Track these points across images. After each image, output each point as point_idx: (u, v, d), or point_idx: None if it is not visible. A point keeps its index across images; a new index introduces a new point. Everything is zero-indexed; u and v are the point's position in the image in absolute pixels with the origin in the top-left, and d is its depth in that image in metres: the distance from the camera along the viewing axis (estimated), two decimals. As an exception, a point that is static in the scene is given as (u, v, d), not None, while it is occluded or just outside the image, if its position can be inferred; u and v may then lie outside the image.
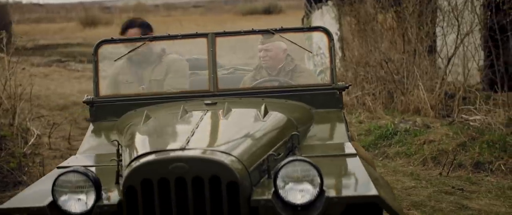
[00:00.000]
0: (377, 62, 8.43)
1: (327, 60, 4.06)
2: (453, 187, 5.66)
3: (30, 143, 7.29)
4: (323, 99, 3.86)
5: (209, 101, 3.64)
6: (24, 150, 6.89)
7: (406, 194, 5.45)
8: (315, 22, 12.00)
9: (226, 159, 2.62)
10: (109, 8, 77.96)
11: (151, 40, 4.16)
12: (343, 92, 8.02)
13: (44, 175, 6.01)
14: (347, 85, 4.03)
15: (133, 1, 77.36)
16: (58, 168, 3.27)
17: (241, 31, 4.12)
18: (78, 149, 7.44)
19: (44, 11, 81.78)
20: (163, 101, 3.97)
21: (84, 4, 77.29)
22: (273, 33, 4.06)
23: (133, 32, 4.39)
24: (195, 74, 4.84)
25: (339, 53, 10.95)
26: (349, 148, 3.29)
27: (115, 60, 4.24)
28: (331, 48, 3.95)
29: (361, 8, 8.96)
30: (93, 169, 3.20)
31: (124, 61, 4.32)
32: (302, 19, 12.79)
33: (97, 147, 3.71)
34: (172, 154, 2.65)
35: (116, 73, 4.35)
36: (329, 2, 11.42)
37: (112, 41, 4.18)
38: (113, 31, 34.53)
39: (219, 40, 4.03)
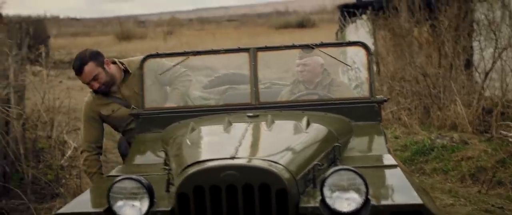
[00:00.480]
0: (413, 77, 8.34)
1: (362, 74, 4.09)
2: (492, 205, 5.53)
3: (67, 155, 7.38)
4: (362, 112, 3.90)
5: (251, 114, 3.71)
6: (61, 162, 6.98)
7: (444, 212, 5.35)
8: (349, 36, 11.94)
9: (275, 168, 2.71)
10: (144, 22, 79.08)
11: (195, 55, 4.22)
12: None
13: (81, 187, 6.10)
14: (385, 98, 4.04)
15: (167, 16, 78.29)
16: (108, 177, 3.41)
17: (281, 46, 4.21)
18: (113, 161, 7.57)
19: (80, 25, 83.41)
20: (206, 114, 4.06)
21: (119, 19, 78.51)
22: (313, 48, 4.13)
23: (89, 69, 4.24)
24: (232, 88, 4.89)
25: (374, 68, 10.88)
26: (390, 160, 3.33)
27: (160, 74, 4.36)
28: (370, 62, 3.98)
29: (395, 22, 8.88)
30: (146, 177, 3.36)
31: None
32: (336, 33, 12.74)
33: (144, 157, 3.84)
34: (223, 162, 2.73)
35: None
36: (364, 16, 11.36)
37: (157, 55, 4.37)
38: (147, 45, 35.06)
39: (259, 54, 4.12)
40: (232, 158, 2.76)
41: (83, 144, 4.18)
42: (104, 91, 4.18)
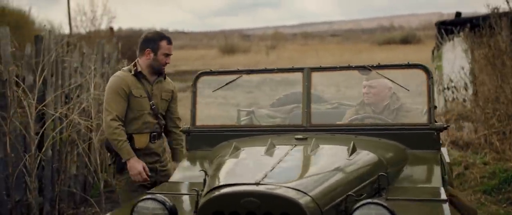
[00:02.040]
0: (509, 99, 7.78)
1: (424, 99, 3.74)
2: None
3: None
4: (419, 140, 3.59)
5: (300, 136, 3.54)
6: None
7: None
8: (446, 54, 11.43)
9: (298, 197, 2.57)
10: (249, 37, 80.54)
11: (248, 73, 4.18)
12: (468, 130, 7.48)
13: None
14: (445, 125, 3.68)
15: (272, 30, 79.26)
16: (148, 193, 3.34)
17: (337, 66, 4.02)
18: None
19: (188, 38, 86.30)
20: (256, 134, 3.94)
21: (225, 33, 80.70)
22: (369, 70, 3.87)
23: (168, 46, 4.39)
24: (299, 107, 4.75)
25: (470, 89, 10.33)
26: (441, 193, 3.04)
27: (214, 91, 4.36)
28: (430, 87, 3.67)
29: (491, 41, 8.36)
30: (180, 196, 3.31)
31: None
32: (433, 51, 12.24)
33: (190, 175, 3.75)
34: (245, 188, 2.64)
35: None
36: (461, 34, 10.84)
37: (211, 73, 4.32)
38: (250, 59, 35.40)
39: (319, 74, 3.96)
40: (257, 184, 2.65)
41: (111, 113, 4.10)
42: (160, 72, 4.34)
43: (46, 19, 56.64)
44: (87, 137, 6.60)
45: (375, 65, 3.86)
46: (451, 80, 11.32)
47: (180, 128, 4.44)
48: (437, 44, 11.94)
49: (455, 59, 11.02)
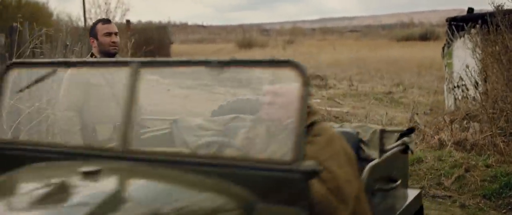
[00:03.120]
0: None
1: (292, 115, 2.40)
2: None
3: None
4: (276, 188, 2.21)
5: (87, 170, 2.20)
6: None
7: None
8: (456, 52, 11.07)
9: None
10: (268, 31, 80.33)
11: (69, 66, 3.00)
12: (474, 130, 7.12)
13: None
14: (317, 169, 2.18)
15: (291, 25, 78.98)
16: None
17: (175, 60, 2.88)
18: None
19: (206, 32, 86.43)
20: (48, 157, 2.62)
21: (243, 27, 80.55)
22: (222, 67, 2.41)
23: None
24: (238, 119, 3.77)
25: (479, 87, 9.98)
26: None
27: (19, 92, 3.04)
28: (303, 97, 2.26)
29: (498, 38, 8.03)
30: None
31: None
32: (443, 48, 11.87)
33: None
34: None
35: None
36: (472, 31, 10.49)
37: (24, 64, 3.07)
38: (266, 53, 35.21)
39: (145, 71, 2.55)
40: None
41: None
42: (110, 54, 4.19)
43: (64, 11, 57.02)
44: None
45: (231, 60, 2.48)
46: (461, 79, 10.96)
47: None
48: (448, 41, 11.58)
49: (466, 57, 10.67)
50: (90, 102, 4.03)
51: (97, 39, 4.21)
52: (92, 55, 4.23)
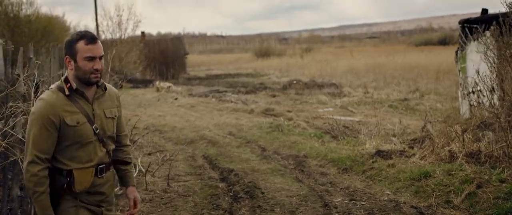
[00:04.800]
0: (532, 106, 6.84)
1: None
2: None
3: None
4: None
5: None
6: (116, 189, 6.43)
7: None
8: (470, 56, 10.42)
9: None
10: (286, 40, 79.84)
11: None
12: (489, 140, 6.45)
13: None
14: None
15: (309, 33, 78.39)
16: None
17: None
18: (176, 191, 6.94)
19: (225, 42, 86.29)
20: None
21: (262, 36, 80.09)
22: None
23: (101, 45, 3.38)
24: None
25: (496, 93, 9.33)
26: None
27: None
28: None
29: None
30: None
31: None
32: (456, 52, 11.22)
33: None
34: None
35: None
36: (487, 33, 9.84)
37: None
38: (283, 61, 34.63)
39: None
40: None
41: (31, 153, 3.17)
42: (90, 83, 3.30)
43: (80, 24, 57.05)
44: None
45: None
46: (476, 84, 10.31)
47: (128, 144, 3.69)
48: (461, 44, 10.93)
49: (480, 60, 10.02)
50: None
51: (75, 61, 3.25)
52: (66, 81, 3.29)
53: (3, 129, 4.61)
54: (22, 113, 4.97)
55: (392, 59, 31.21)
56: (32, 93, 4.94)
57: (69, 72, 3.29)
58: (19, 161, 4.83)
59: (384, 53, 37.92)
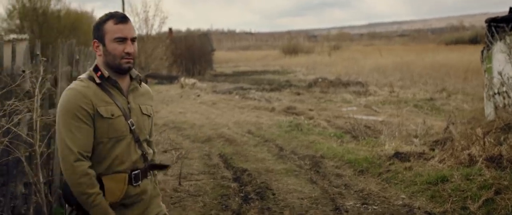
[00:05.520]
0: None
1: None
2: None
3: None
4: None
5: None
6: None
7: None
8: (497, 56, 10.11)
9: None
10: (316, 37, 79.37)
11: None
12: (508, 145, 6.20)
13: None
14: None
15: (338, 31, 77.75)
16: None
17: None
18: (187, 190, 6.84)
19: (254, 39, 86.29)
20: None
21: (291, 33, 79.79)
22: None
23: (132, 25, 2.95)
24: None
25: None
26: None
27: None
28: None
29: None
30: None
31: None
32: (482, 52, 10.91)
33: None
34: None
35: None
36: (513, 32, 9.55)
37: None
38: (311, 59, 34.51)
39: None
40: None
41: (72, 151, 2.68)
42: (121, 70, 2.85)
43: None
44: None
45: None
46: (502, 85, 10.02)
47: (153, 151, 3.11)
48: (488, 44, 10.62)
49: (505, 61, 9.72)
50: None
51: (103, 44, 2.83)
52: (96, 70, 2.86)
53: (5, 126, 4.55)
54: (27, 110, 4.92)
55: (420, 58, 30.74)
56: (37, 89, 4.89)
57: (98, 59, 2.88)
58: (22, 158, 4.78)
59: (414, 52, 37.41)
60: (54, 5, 29.63)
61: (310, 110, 14.17)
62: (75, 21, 30.58)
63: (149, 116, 2.99)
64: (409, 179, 6.73)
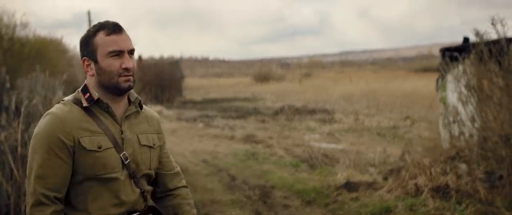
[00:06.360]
0: (499, 137, 6.50)
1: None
2: None
3: None
4: None
5: None
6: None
7: None
8: (450, 85, 10.12)
9: None
10: (288, 65, 79.74)
11: None
12: (453, 175, 6.12)
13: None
14: None
15: (310, 58, 78.25)
16: None
17: None
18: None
19: (227, 66, 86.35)
20: None
21: (264, 61, 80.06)
22: None
23: (128, 35, 2.42)
24: None
25: (476, 122, 9.02)
26: None
27: None
28: None
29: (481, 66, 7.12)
30: None
31: None
32: (437, 80, 10.93)
33: None
34: None
35: None
36: (466, 61, 9.56)
37: None
38: (282, 86, 34.63)
39: None
40: None
41: (35, 192, 2.23)
42: (119, 91, 2.36)
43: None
44: None
45: None
46: (458, 113, 9.99)
47: (183, 186, 2.65)
48: (442, 72, 10.63)
49: (455, 89, 9.72)
50: None
51: (95, 61, 2.35)
52: (85, 90, 2.38)
53: None
54: None
55: (389, 85, 30.97)
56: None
57: (90, 80, 2.39)
58: None
59: (383, 79, 37.69)
60: (19, 31, 29.28)
61: (270, 138, 14.03)
62: (41, 48, 30.24)
63: (151, 147, 2.48)
64: (354, 210, 6.59)
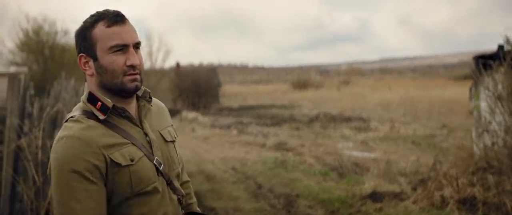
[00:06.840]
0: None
1: None
2: None
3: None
4: None
5: None
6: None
7: None
8: (484, 93, 9.86)
9: None
10: (328, 72, 79.38)
11: None
12: (482, 186, 5.98)
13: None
14: None
15: (346, 66, 77.74)
16: None
17: None
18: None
19: (266, 73, 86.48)
20: None
21: (303, 68, 79.97)
22: None
23: (132, 27, 2.05)
24: None
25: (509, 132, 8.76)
26: None
27: None
28: None
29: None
30: None
31: None
32: (470, 89, 10.68)
33: None
34: None
35: None
36: (500, 69, 9.31)
37: None
38: (320, 93, 34.44)
39: None
40: None
41: None
42: (127, 91, 2.01)
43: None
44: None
45: None
46: (490, 122, 9.74)
47: (187, 180, 2.40)
48: (475, 80, 10.37)
49: (486, 97, 9.48)
50: None
51: (95, 58, 1.98)
52: (93, 99, 2.01)
53: None
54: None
55: (427, 93, 30.47)
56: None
57: (90, 82, 2.03)
58: None
59: (422, 86, 37.12)
60: (59, 39, 29.89)
61: (302, 145, 13.93)
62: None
63: (174, 141, 2.22)
64: (377, 221, 6.47)
